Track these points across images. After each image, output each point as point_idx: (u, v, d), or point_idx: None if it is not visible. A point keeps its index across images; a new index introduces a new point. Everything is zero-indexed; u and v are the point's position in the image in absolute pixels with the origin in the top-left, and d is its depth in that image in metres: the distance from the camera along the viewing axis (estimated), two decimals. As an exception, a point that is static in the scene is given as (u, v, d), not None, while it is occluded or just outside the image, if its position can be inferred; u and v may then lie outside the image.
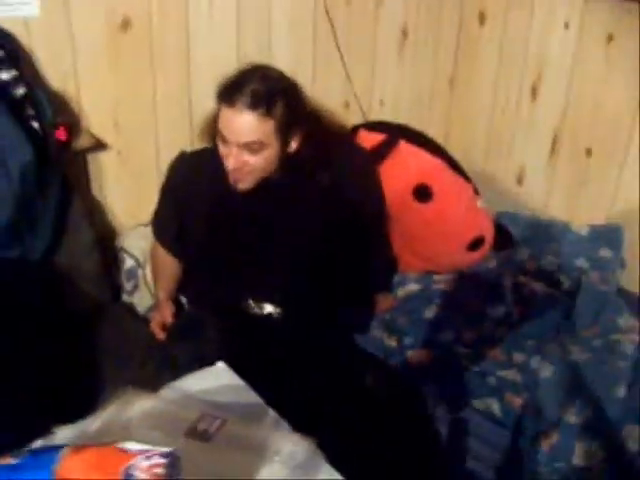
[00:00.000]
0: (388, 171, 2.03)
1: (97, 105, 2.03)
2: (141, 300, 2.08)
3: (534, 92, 2.39)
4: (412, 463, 1.62)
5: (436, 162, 2.09)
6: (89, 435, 1.12)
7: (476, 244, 2.12)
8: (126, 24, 1.99)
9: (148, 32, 2.03)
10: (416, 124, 2.56)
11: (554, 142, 2.37)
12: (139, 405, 1.15)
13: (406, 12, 2.43)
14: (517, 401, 1.77)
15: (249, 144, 1.68)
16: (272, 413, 1.17)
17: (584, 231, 2.21)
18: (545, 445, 1.65)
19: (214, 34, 2.13)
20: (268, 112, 1.66)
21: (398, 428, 1.65)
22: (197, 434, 1.05)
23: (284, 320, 1.83)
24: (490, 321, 1.96)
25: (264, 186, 1.78)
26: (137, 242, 2.13)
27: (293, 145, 1.76)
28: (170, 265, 1.96)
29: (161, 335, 1.83)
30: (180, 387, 1.21)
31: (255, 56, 2.18)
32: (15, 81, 1.77)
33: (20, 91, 1.77)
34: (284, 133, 1.72)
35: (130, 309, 1.98)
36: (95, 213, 2.11)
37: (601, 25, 2.17)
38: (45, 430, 1.11)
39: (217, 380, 1.23)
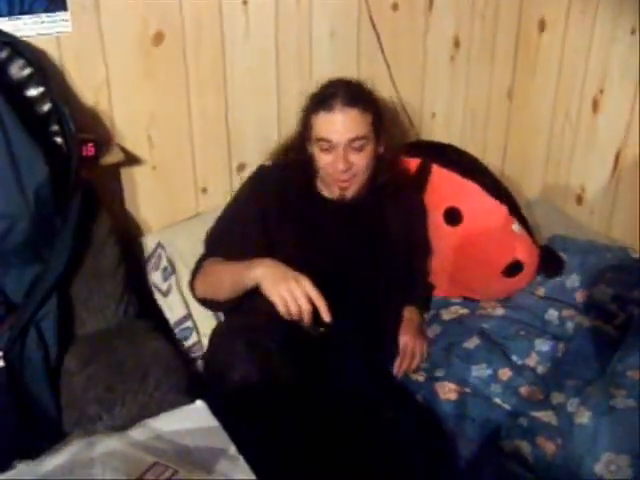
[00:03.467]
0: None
1: (130, 120, 2.01)
2: (172, 305, 2.01)
3: (596, 105, 2.21)
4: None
5: (467, 184, 1.96)
6: (50, 472, 1.08)
7: (513, 270, 1.97)
8: (159, 38, 1.96)
9: (182, 46, 1.99)
10: (471, 138, 2.45)
11: (617, 159, 2.18)
12: (104, 445, 1.11)
13: (458, 20, 2.30)
14: (550, 447, 1.63)
15: (355, 140, 1.76)
16: (242, 463, 1.09)
17: (641, 258, 2.03)
18: (578, 501, 1.51)
19: (251, 46, 2.07)
20: (366, 107, 1.78)
21: (418, 464, 1.55)
22: (142, 486, 0.99)
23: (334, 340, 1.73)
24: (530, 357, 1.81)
25: (353, 205, 1.85)
26: (175, 240, 2.07)
27: (381, 149, 1.85)
28: None
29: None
30: (151, 426, 1.17)
31: (295, 69, 2.13)
32: (42, 97, 1.77)
33: (46, 107, 1.77)
34: (378, 130, 1.82)
35: (152, 327, 1.93)
36: (128, 229, 2.09)
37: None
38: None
39: (191, 421, 1.18)
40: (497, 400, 1.75)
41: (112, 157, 1.93)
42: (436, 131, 2.41)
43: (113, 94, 1.96)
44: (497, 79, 2.43)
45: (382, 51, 2.21)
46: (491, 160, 2.49)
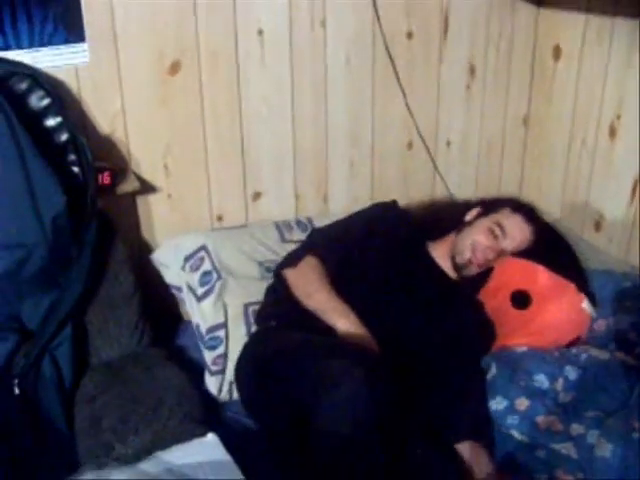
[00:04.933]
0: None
1: (146, 148, 2.03)
2: (207, 311, 1.98)
3: (613, 132, 2.19)
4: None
5: (534, 267, 1.96)
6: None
7: (571, 343, 1.95)
8: (175, 67, 1.98)
9: (197, 75, 2.01)
10: (487, 166, 2.44)
11: (635, 185, 2.16)
12: (115, 478, 1.10)
13: (473, 47, 2.30)
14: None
15: (514, 252, 1.96)
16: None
17: (664, 287, 1.99)
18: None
19: (266, 75, 2.09)
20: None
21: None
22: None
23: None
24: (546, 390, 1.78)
25: (445, 280, 1.97)
26: (222, 247, 2.05)
27: None
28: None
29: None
30: (162, 459, 1.16)
31: (310, 97, 2.14)
32: (60, 127, 1.78)
33: (63, 137, 1.78)
34: None
35: (166, 355, 1.92)
36: (144, 257, 2.10)
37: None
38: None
39: (203, 454, 1.16)
40: (515, 432, 1.72)
41: (128, 185, 1.95)
42: (452, 159, 2.40)
43: (129, 123, 1.98)
44: (513, 107, 2.42)
45: (398, 79, 2.21)
46: (508, 188, 2.49)
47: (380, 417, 1.39)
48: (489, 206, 2.04)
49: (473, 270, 1.96)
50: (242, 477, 1.10)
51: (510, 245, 1.95)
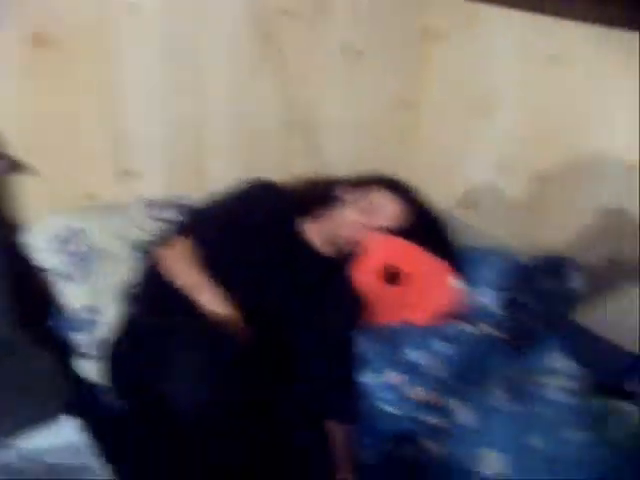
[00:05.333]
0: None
1: (12, 124, 1.93)
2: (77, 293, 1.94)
3: (483, 114, 2.26)
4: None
5: (404, 243, 1.99)
6: None
7: (442, 319, 1.99)
8: (40, 40, 1.89)
9: (64, 49, 1.92)
10: (366, 145, 2.46)
11: (501, 165, 2.24)
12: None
13: (350, 26, 2.28)
14: (436, 449, 1.66)
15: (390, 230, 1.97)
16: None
17: (528, 260, 2.07)
18: (459, 499, 1.53)
19: (138, 50, 2.02)
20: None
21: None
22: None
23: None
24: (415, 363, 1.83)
25: (317, 258, 1.98)
26: (92, 226, 2.00)
27: None
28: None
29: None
30: (17, 446, 1.12)
31: (185, 73, 2.10)
32: None
33: None
34: None
35: (37, 340, 1.83)
36: (13, 239, 2.01)
37: (544, 44, 2.07)
38: None
39: (58, 438, 1.13)
40: (387, 406, 1.76)
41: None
42: (330, 139, 2.40)
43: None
44: (390, 87, 2.43)
45: (274, 58, 2.20)
46: (386, 168, 2.47)
47: (229, 398, 1.40)
48: (362, 184, 2.07)
49: (346, 248, 1.98)
50: (96, 458, 1.08)
51: (382, 222, 1.98)
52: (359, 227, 1.96)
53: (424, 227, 2.04)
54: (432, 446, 1.67)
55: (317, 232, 2.01)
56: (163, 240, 1.92)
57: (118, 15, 1.96)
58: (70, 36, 1.92)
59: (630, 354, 2.02)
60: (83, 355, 1.88)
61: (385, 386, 1.78)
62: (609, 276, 2.14)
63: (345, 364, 1.84)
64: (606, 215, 2.10)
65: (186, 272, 1.80)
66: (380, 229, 1.98)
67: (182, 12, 2.05)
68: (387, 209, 2.00)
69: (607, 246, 2.13)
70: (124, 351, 1.74)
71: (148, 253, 1.93)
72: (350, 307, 1.95)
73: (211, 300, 1.72)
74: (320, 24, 2.24)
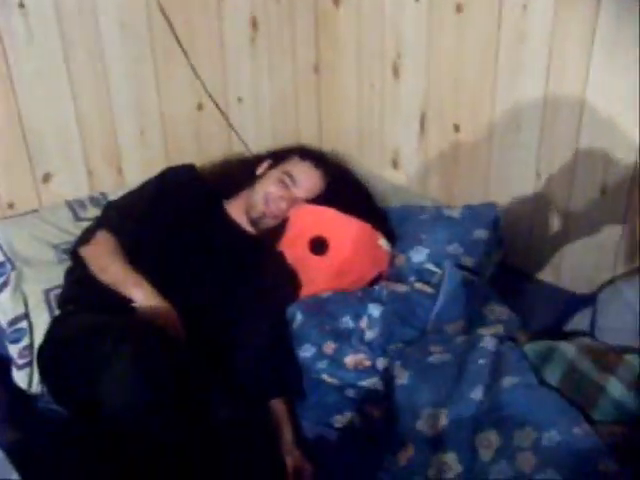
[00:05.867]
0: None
1: None
2: (6, 304, 1.88)
3: (396, 72, 2.25)
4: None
5: (327, 211, 1.98)
6: None
7: (374, 281, 2.00)
8: None
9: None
10: (283, 119, 2.44)
11: (422, 121, 2.23)
12: None
13: (253, 1, 2.27)
14: (376, 412, 1.66)
15: (307, 200, 1.99)
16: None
17: (456, 213, 2.07)
18: (402, 458, 1.54)
19: (35, 51, 1.97)
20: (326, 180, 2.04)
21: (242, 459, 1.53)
22: None
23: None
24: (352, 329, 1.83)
25: (250, 238, 1.98)
26: (12, 235, 1.96)
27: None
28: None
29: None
30: None
31: (87, 68, 2.05)
32: None
33: None
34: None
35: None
36: None
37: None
38: None
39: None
40: (325, 376, 1.76)
41: None
42: (245, 116, 2.38)
43: None
44: (301, 56, 2.42)
45: (177, 38, 2.16)
46: (307, 138, 2.50)
47: (160, 389, 1.38)
48: (278, 157, 2.07)
49: (269, 222, 1.98)
50: (12, 471, 1.06)
51: (301, 192, 1.99)
52: (276, 199, 1.95)
53: (343, 191, 2.04)
54: (373, 410, 1.67)
55: (240, 211, 2.00)
56: (84, 237, 1.88)
57: (8, 17, 1.91)
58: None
59: (571, 294, 2.03)
60: (18, 366, 1.85)
61: (321, 357, 1.77)
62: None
63: (286, 339, 1.83)
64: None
65: (112, 267, 1.77)
66: (300, 199, 1.97)
67: (72, 5, 2.00)
68: (304, 178, 2.00)
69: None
70: (51, 354, 1.71)
71: (71, 252, 1.89)
72: (287, 282, 1.95)
73: (140, 293, 1.70)
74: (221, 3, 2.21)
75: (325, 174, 2.03)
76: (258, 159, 2.11)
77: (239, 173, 2.09)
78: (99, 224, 1.90)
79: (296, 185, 1.99)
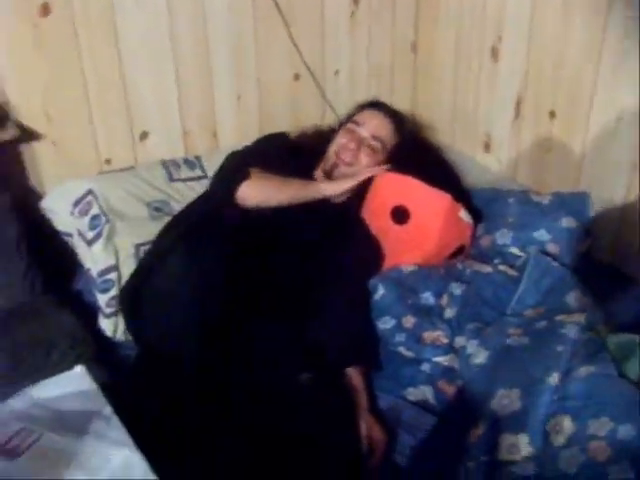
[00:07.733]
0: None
1: (24, 95, 1.99)
2: (98, 255, 1.96)
3: (495, 54, 2.23)
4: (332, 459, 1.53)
5: (408, 180, 1.96)
6: None
7: (455, 253, 2.00)
8: (45, 9, 1.92)
9: (70, 16, 1.96)
10: (378, 94, 2.45)
11: (518, 106, 2.21)
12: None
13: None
14: (450, 389, 1.67)
15: (377, 138, 2.01)
16: (115, 421, 1.10)
17: (546, 200, 2.05)
18: (473, 437, 1.54)
19: (142, 14, 2.05)
20: (398, 129, 2.07)
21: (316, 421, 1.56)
22: (4, 451, 0.99)
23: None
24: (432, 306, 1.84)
25: (333, 209, 2.00)
26: (109, 190, 2.03)
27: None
28: None
29: None
30: (29, 394, 1.17)
31: (190, 33, 2.11)
32: None
33: None
34: (392, 154, 2.04)
35: (58, 301, 1.90)
36: (32, 205, 2.07)
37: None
38: None
39: (70, 386, 1.18)
40: (402, 349, 1.78)
41: (6, 134, 1.91)
42: (340, 88, 2.41)
43: (3, 69, 1.93)
44: (399, 33, 2.43)
45: (279, 10, 2.19)
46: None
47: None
48: (351, 114, 2.11)
49: (342, 170, 2.01)
50: (106, 404, 1.12)
51: (365, 131, 2.02)
52: (345, 147, 2.00)
53: (424, 162, 2.04)
54: (446, 387, 1.68)
55: (322, 175, 2.02)
56: (235, 178, 1.90)
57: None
58: (75, 3, 1.94)
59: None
60: (105, 314, 1.93)
61: (400, 330, 1.79)
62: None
63: (367, 310, 1.85)
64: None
65: (283, 185, 1.91)
66: (367, 139, 2.01)
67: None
68: (368, 119, 2.04)
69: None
70: (132, 290, 1.78)
71: (227, 195, 1.90)
72: (372, 253, 1.96)
73: (327, 187, 1.92)
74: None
75: (395, 126, 2.06)
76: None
77: (327, 144, 2.09)
78: (238, 167, 1.93)
79: (360, 126, 2.03)
